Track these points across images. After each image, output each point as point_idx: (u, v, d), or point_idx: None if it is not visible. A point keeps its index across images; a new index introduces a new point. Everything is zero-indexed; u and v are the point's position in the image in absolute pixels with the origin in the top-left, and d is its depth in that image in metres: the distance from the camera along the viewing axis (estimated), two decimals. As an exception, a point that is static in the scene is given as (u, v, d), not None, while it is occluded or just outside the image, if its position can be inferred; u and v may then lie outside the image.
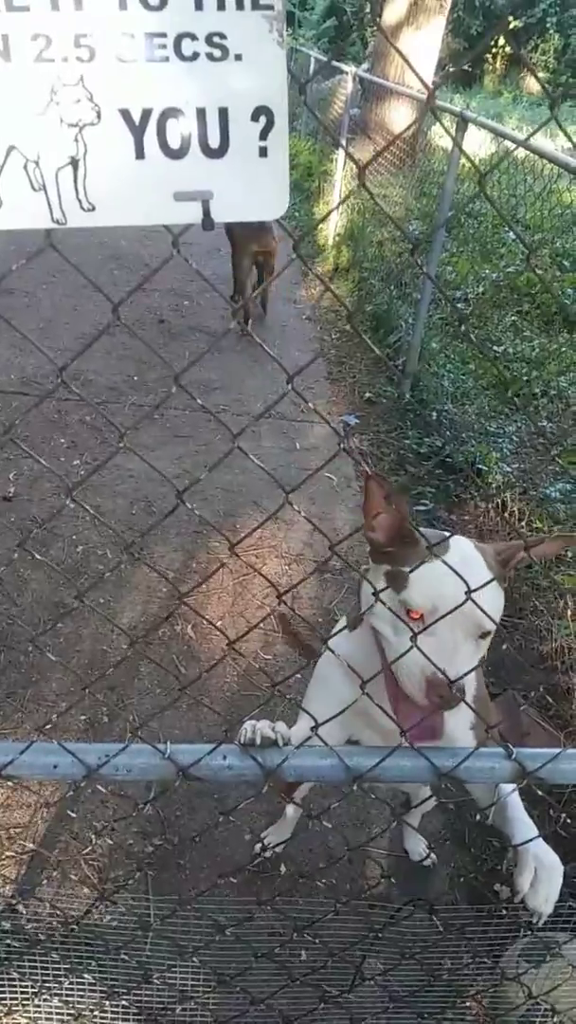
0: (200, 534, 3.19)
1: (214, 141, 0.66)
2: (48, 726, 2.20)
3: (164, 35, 0.63)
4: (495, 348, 4.95)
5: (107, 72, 0.63)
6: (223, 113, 0.65)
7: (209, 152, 0.66)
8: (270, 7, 0.63)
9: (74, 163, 0.66)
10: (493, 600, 1.09)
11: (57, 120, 0.64)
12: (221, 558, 3.10)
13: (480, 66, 15.08)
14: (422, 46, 7.29)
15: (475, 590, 0.92)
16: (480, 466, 3.64)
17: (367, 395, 4.52)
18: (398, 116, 7.61)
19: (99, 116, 0.64)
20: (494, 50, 14.83)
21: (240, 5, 0.63)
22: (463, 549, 1.13)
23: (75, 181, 0.66)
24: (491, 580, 1.03)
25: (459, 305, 5.51)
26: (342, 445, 0.98)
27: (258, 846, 2.03)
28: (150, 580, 2.90)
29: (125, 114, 0.65)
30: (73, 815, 2.07)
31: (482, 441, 3.84)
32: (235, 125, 0.66)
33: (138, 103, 0.64)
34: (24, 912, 1.86)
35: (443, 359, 4.65)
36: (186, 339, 4.75)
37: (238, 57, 0.64)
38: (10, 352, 4.17)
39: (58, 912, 1.86)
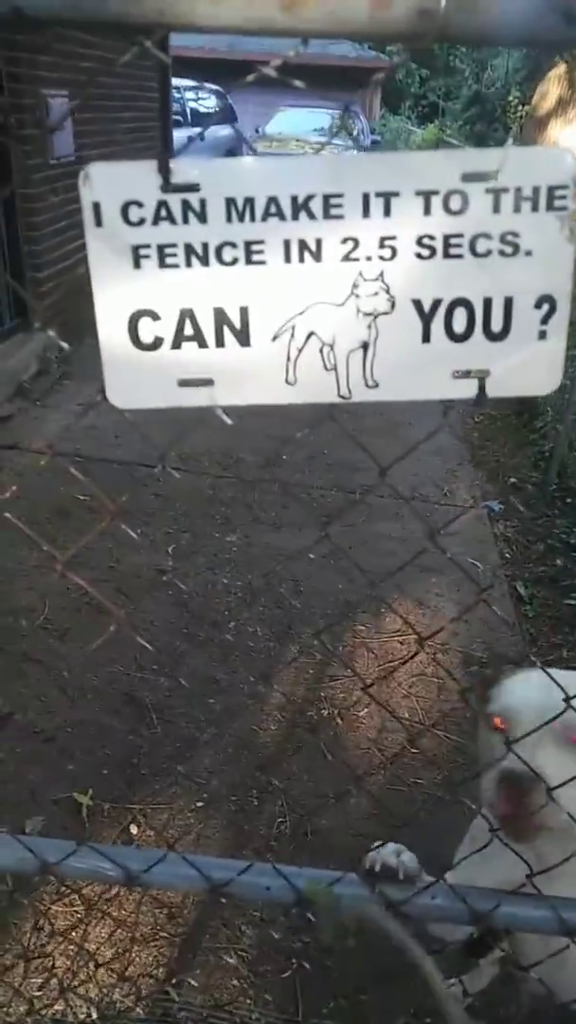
0: (345, 616, 3.22)
1: (497, 326, 0.71)
2: (200, 804, 2.24)
3: (461, 235, 0.69)
4: None
5: (405, 268, 0.70)
6: (508, 302, 0.70)
7: (491, 336, 0.71)
8: (563, 208, 0.68)
9: (364, 347, 0.72)
10: None
11: (355, 310, 0.71)
12: (367, 642, 3.11)
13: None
14: (572, 137, 7.36)
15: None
16: None
17: (511, 480, 4.46)
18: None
19: (393, 306, 0.71)
20: None
21: (535, 207, 0.68)
22: (562, 671, 1.10)
23: (364, 362, 0.72)
24: None
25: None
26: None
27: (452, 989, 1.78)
28: (299, 660, 2.94)
29: (417, 304, 0.71)
30: (224, 900, 2.08)
31: None
32: (519, 312, 0.70)
33: (430, 294, 0.70)
34: (176, 997, 1.88)
35: (592, 445, 4.53)
36: (332, 420, 4.88)
37: (528, 253, 0.69)
38: (171, 432, 4.44)
39: (208, 1001, 1.87)
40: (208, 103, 13.99)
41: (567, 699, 0.95)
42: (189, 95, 13.23)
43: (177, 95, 12.01)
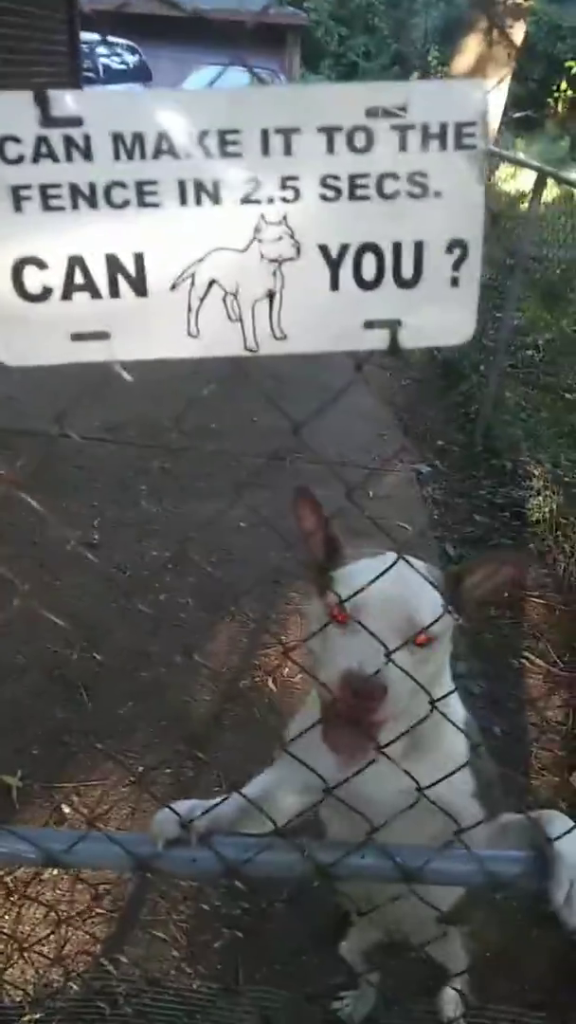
0: (279, 584, 3.20)
1: (407, 272, 0.68)
2: (133, 780, 2.20)
3: (368, 175, 0.65)
4: (567, 395, 4.90)
5: (310, 211, 0.66)
6: (419, 246, 0.67)
7: (402, 283, 0.68)
8: (472, 147, 0.65)
9: (271, 295, 0.68)
10: (430, 602, 0.98)
11: (258, 256, 0.67)
12: (300, 608, 3.10)
13: (542, 110, 15.17)
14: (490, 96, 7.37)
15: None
16: (561, 519, 3.58)
17: (439, 443, 4.50)
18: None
19: (298, 252, 0.67)
20: (556, 94, 14.92)
21: (443, 146, 0.64)
22: (398, 555, 1.00)
23: (270, 312, 0.68)
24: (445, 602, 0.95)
25: (529, 352, 5.49)
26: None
27: (336, 1005, 1.81)
28: (231, 629, 2.92)
29: (324, 249, 0.67)
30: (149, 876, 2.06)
31: (559, 492, 3.79)
32: (429, 257, 0.67)
33: (337, 239, 0.67)
34: (114, 972, 1.86)
35: (516, 407, 4.62)
36: (261, 385, 4.82)
37: (437, 194, 0.66)
38: (90, 400, 4.30)
39: (146, 974, 1.86)
40: (121, 59, 13.48)
41: (447, 608, 0.90)
42: (101, 50, 12.72)
43: (88, 51, 11.51)
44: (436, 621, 0.97)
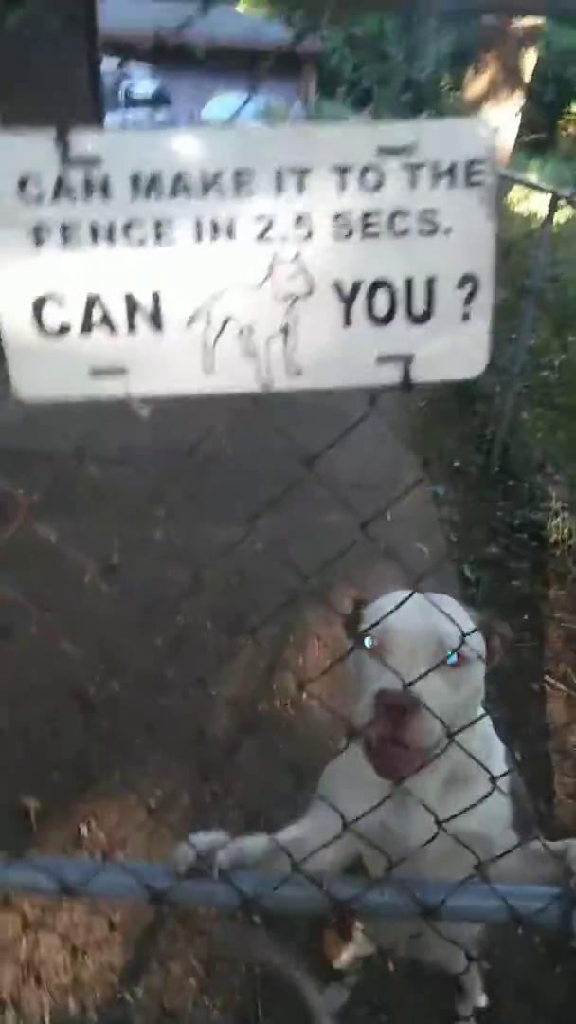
0: (297, 607, 3.19)
1: (419, 308, 0.68)
2: (152, 801, 2.19)
3: (379, 213, 0.66)
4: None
5: (323, 248, 0.66)
6: (430, 282, 0.68)
7: (414, 318, 0.69)
8: (481, 183, 0.66)
9: (285, 332, 0.69)
10: (460, 625, 0.99)
11: (272, 293, 0.67)
12: (317, 632, 3.09)
13: (554, 131, 15.27)
14: (502, 120, 7.42)
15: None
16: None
17: (455, 465, 4.49)
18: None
19: (312, 289, 0.67)
20: (567, 116, 15.03)
21: (453, 183, 0.65)
22: (428, 592, 1.04)
23: (284, 348, 0.69)
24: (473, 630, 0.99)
25: (544, 373, 5.47)
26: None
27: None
28: (249, 654, 2.91)
29: (337, 286, 0.68)
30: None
31: (577, 513, 3.76)
32: (441, 292, 0.68)
33: (350, 276, 0.67)
34: (131, 1002, 1.84)
35: (532, 429, 4.60)
36: (277, 409, 4.85)
37: (448, 231, 0.66)
38: (108, 422, 4.34)
39: (164, 1005, 1.84)
40: (141, 86, 13.75)
41: (462, 635, 0.94)
42: (121, 78, 12.97)
43: (112, 79, 11.73)
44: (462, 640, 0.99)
